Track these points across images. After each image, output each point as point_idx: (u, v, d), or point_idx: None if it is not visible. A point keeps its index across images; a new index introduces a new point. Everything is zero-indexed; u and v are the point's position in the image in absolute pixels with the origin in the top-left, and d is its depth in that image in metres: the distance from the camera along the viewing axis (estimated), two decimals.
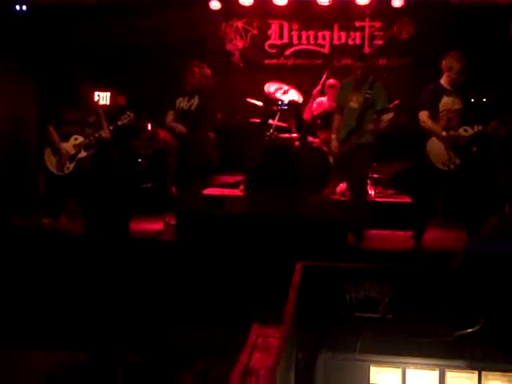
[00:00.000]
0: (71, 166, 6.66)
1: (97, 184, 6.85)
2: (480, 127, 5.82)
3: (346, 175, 6.78)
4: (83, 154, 6.68)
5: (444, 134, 5.87)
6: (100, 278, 5.14)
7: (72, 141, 6.67)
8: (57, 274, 5.20)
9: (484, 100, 7.36)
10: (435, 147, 5.96)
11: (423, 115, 6.01)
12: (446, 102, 5.96)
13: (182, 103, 6.95)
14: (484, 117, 5.97)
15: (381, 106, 6.46)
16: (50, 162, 6.72)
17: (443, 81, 6.04)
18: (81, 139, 6.66)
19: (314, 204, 7.03)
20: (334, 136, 6.65)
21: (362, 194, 6.64)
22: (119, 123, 6.82)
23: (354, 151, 6.41)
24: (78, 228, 6.58)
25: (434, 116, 5.98)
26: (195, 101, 6.89)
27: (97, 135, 6.66)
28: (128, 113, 6.86)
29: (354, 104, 6.46)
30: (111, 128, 6.76)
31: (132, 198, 7.41)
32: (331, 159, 7.09)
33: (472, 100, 6.09)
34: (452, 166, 5.89)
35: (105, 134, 6.69)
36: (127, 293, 4.93)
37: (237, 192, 7.83)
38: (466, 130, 5.88)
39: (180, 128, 6.85)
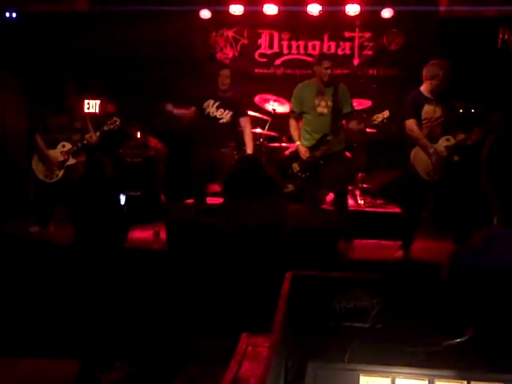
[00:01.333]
0: (60, 174, 6.67)
1: (86, 192, 6.85)
2: (462, 136, 5.81)
3: (328, 184, 6.68)
4: (72, 161, 6.69)
5: (432, 149, 5.85)
6: (89, 286, 5.11)
7: (60, 148, 6.72)
8: (45, 283, 5.17)
9: (472, 111, 7.41)
10: (420, 157, 5.96)
11: (411, 123, 5.96)
12: (427, 110, 5.94)
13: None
14: (468, 125, 5.98)
15: (347, 110, 6.45)
16: (39, 169, 6.73)
17: (423, 88, 6.03)
18: (69, 146, 6.70)
19: (300, 212, 7.02)
20: (298, 143, 6.46)
21: (345, 202, 6.67)
22: (105, 128, 6.83)
23: (330, 160, 6.35)
24: (67, 236, 6.56)
25: (418, 124, 5.97)
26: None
27: (84, 141, 6.67)
28: (114, 118, 6.87)
29: (322, 109, 6.35)
30: (98, 133, 6.76)
31: (124, 207, 7.39)
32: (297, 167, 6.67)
33: (456, 109, 6.05)
34: (437, 177, 5.90)
35: (91, 139, 6.70)
36: (117, 301, 4.91)
37: None
38: (448, 140, 5.88)
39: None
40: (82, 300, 4.95)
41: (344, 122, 6.61)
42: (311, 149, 6.40)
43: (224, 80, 7.07)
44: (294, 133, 6.58)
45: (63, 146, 6.73)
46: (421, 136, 5.92)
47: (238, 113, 7.14)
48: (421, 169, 5.94)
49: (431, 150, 5.84)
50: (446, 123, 5.91)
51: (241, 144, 7.58)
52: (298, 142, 6.49)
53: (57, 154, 6.71)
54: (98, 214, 6.64)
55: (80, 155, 6.77)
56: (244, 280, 4.94)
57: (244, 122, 7.17)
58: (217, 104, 7.14)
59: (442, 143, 5.88)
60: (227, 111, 7.09)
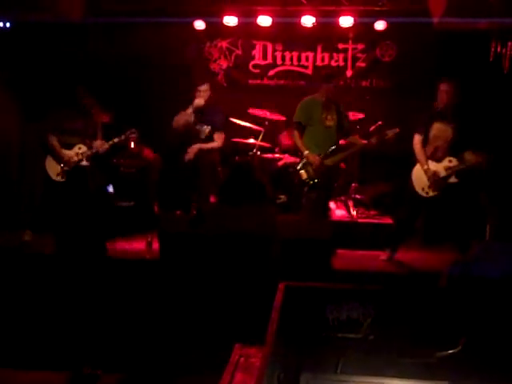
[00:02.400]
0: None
1: (66, 200, 6.85)
2: (473, 159, 5.82)
3: (319, 193, 6.69)
4: (84, 163, 6.86)
5: (425, 167, 6.00)
6: (80, 297, 5.10)
7: (76, 149, 6.85)
8: (34, 293, 5.16)
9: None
10: (419, 172, 6.11)
11: (416, 139, 6.14)
12: (437, 127, 6.05)
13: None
14: (478, 148, 5.99)
15: (347, 123, 6.80)
16: (52, 169, 6.84)
17: (437, 104, 6.10)
18: (84, 149, 6.86)
19: (295, 223, 7.03)
20: (307, 152, 6.54)
21: (327, 211, 6.88)
22: (123, 137, 7.00)
23: (331, 172, 6.64)
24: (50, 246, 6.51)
25: (425, 141, 6.09)
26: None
27: (94, 149, 6.83)
28: (133, 129, 6.96)
29: (330, 123, 6.58)
30: (111, 142, 6.85)
31: (111, 217, 7.37)
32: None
33: (469, 131, 6.06)
34: (430, 193, 6.02)
35: (103, 147, 6.90)
36: (108, 311, 4.89)
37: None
38: (450, 161, 5.96)
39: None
40: (73, 311, 4.94)
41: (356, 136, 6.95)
42: (322, 158, 6.54)
43: (202, 94, 7.15)
44: (300, 143, 6.69)
45: (79, 149, 6.86)
46: (419, 152, 6.08)
47: (214, 127, 7.21)
48: (417, 183, 6.10)
49: (425, 167, 5.99)
50: (455, 144, 5.97)
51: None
52: (307, 152, 6.57)
53: (72, 154, 6.83)
54: (78, 224, 6.60)
55: (91, 160, 6.90)
56: (232, 286, 4.95)
57: (217, 138, 7.22)
58: (200, 118, 7.28)
59: (444, 163, 5.98)
60: (207, 127, 7.19)
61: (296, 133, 6.73)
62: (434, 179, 5.94)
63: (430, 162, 6.04)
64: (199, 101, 7.14)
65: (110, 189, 7.80)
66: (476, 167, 5.80)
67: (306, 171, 6.57)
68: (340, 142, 6.79)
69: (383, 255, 6.42)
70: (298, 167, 6.63)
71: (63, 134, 6.87)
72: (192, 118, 7.20)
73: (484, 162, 5.67)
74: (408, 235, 6.46)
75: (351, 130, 6.92)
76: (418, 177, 6.09)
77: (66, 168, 6.80)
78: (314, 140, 6.63)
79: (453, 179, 5.94)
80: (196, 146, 7.13)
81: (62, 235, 6.41)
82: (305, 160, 6.58)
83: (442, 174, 5.95)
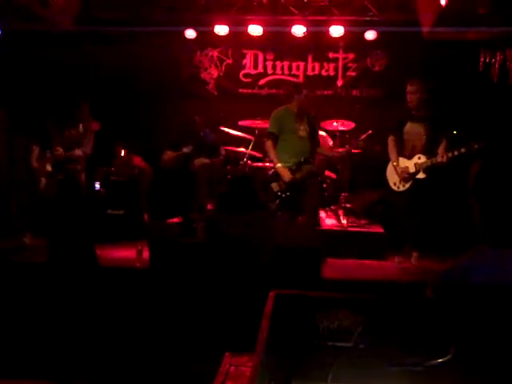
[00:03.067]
0: (43, 182, 6.96)
1: (58, 208, 6.88)
2: (435, 159, 6.09)
3: (301, 202, 6.72)
4: (47, 168, 7.06)
5: (395, 163, 6.38)
6: (66, 305, 5.07)
7: (52, 158, 7.08)
8: (21, 302, 5.13)
9: (454, 132, 7.47)
10: (390, 169, 6.51)
11: (390, 140, 6.50)
12: (409, 127, 6.34)
13: None
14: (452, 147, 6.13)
15: (317, 136, 6.89)
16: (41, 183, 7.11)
17: (409, 105, 6.34)
18: (48, 155, 7.08)
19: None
20: (279, 165, 6.60)
21: (316, 220, 6.96)
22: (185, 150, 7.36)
23: (308, 180, 6.61)
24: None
25: (399, 141, 6.41)
26: None
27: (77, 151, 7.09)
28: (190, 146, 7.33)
29: (302, 133, 6.63)
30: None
31: (100, 225, 7.36)
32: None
33: (444, 131, 6.25)
34: (401, 188, 6.37)
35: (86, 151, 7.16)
36: (97, 320, 4.87)
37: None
38: (419, 158, 6.22)
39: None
40: (60, 320, 4.91)
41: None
42: (293, 171, 6.59)
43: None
44: (273, 154, 6.72)
45: (56, 156, 7.04)
46: (390, 150, 6.47)
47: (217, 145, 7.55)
48: (390, 179, 6.51)
49: (394, 164, 6.39)
50: (428, 142, 6.24)
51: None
52: (280, 164, 6.61)
53: (47, 165, 7.05)
54: (70, 231, 6.59)
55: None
56: (222, 295, 4.94)
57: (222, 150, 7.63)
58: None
59: (414, 160, 6.26)
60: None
61: (269, 143, 6.76)
62: (403, 175, 6.28)
63: (401, 159, 6.37)
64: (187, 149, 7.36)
65: (97, 186, 7.79)
66: (442, 165, 6.05)
67: (278, 184, 6.64)
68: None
69: (413, 258, 6.53)
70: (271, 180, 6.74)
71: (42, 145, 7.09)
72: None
73: (446, 159, 5.92)
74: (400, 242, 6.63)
75: (318, 141, 6.98)
76: (390, 173, 6.48)
77: (40, 178, 7.02)
78: (288, 150, 6.66)
79: (421, 175, 6.21)
80: (207, 160, 7.25)
81: (55, 242, 6.40)
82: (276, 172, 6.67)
83: (412, 170, 6.24)
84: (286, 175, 6.55)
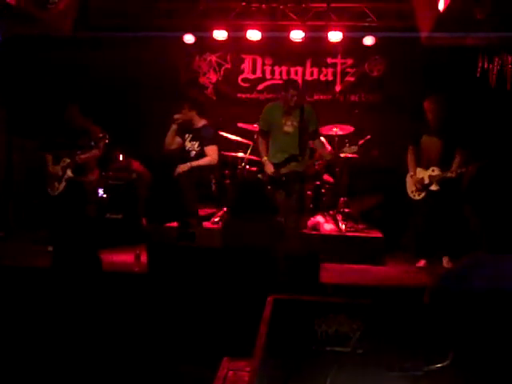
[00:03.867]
0: (61, 187, 6.91)
1: (65, 212, 6.89)
2: (447, 173, 6.37)
3: (284, 202, 6.73)
4: (69, 174, 7.05)
5: (411, 173, 6.66)
6: (67, 310, 5.06)
7: (61, 163, 7.11)
8: (23, 307, 5.12)
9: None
10: (408, 178, 6.76)
11: (409, 150, 6.74)
12: (425, 140, 6.60)
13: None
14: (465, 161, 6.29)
15: (313, 127, 6.73)
16: (47, 183, 7.18)
17: (426, 120, 6.55)
18: (67, 161, 7.09)
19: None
20: (265, 158, 6.78)
21: (298, 223, 6.91)
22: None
23: (292, 178, 6.64)
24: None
25: (417, 153, 6.68)
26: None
27: (82, 156, 7.09)
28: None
29: (288, 128, 6.63)
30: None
31: (101, 229, 7.36)
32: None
33: (456, 144, 6.47)
34: (417, 197, 6.63)
35: (89, 154, 7.16)
36: (95, 324, 4.86)
37: (208, 224, 7.81)
38: (433, 171, 6.47)
39: None
40: (61, 325, 4.90)
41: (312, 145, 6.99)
42: (277, 165, 6.69)
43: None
44: (261, 148, 6.90)
45: (63, 162, 7.09)
46: (409, 161, 6.72)
47: (204, 142, 7.27)
48: (408, 188, 6.75)
49: (411, 174, 6.65)
50: (443, 155, 6.49)
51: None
52: (265, 158, 6.80)
53: (57, 168, 7.09)
54: (76, 236, 6.61)
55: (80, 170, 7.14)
56: (220, 299, 4.93)
57: (208, 151, 7.26)
58: (190, 137, 7.40)
59: (428, 172, 6.52)
60: (196, 142, 7.34)
61: (259, 139, 6.98)
62: (417, 185, 6.58)
63: (418, 169, 6.63)
64: (177, 116, 7.27)
65: (101, 192, 7.81)
66: (458, 177, 6.27)
67: (262, 176, 6.97)
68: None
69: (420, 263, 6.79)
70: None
71: (55, 150, 7.16)
72: (179, 139, 7.31)
73: (456, 173, 6.09)
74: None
75: (317, 135, 6.97)
76: (409, 182, 6.74)
77: (52, 183, 7.05)
78: (274, 146, 6.77)
79: (434, 187, 6.47)
80: (187, 165, 7.16)
81: (60, 248, 6.40)
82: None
83: (426, 181, 6.51)
84: (269, 168, 6.70)
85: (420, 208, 6.69)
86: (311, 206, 8.10)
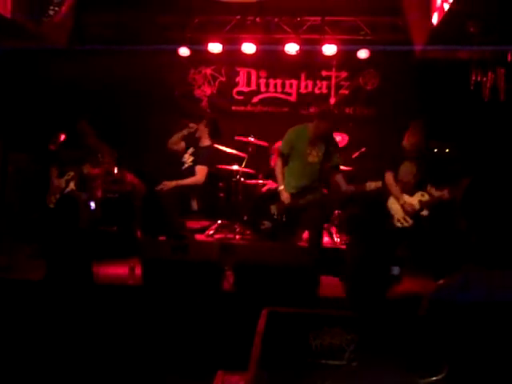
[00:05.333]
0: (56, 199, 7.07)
1: (57, 225, 6.88)
2: (435, 195, 6.28)
3: (304, 225, 6.69)
4: (71, 187, 7.16)
5: (402, 201, 6.35)
6: (60, 323, 5.04)
7: (65, 176, 7.19)
8: (14, 320, 5.10)
9: (447, 150, 7.53)
10: (393, 205, 6.45)
11: (389, 176, 6.42)
12: (405, 165, 6.41)
13: None
14: (440, 181, 6.27)
15: (337, 161, 6.50)
16: (49, 200, 7.20)
17: (405, 144, 6.42)
18: (71, 174, 7.18)
19: (278, 250, 7.01)
20: (282, 187, 6.45)
21: (319, 242, 6.67)
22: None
23: (311, 205, 6.38)
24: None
25: (395, 177, 6.44)
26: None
27: (90, 169, 7.19)
28: None
29: (313, 159, 6.36)
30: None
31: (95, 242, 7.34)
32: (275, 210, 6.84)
33: (431, 165, 6.43)
34: (405, 224, 6.38)
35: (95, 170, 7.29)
36: (89, 337, 4.84)
37: (202, 237, 7.80)
38: (422, 195, 6.34)
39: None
40: (55, 337, 4.88)
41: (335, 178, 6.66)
42: (295, 195, 6.42)
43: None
44: (279, 176, 6.53)
45: (68, 175, 7.18)
46: (394, 188, 6.41)
47: (198, 160, 7.22)
48: (395, 214, 6.43)
49: (401, 202, 6.35)
50: (420, 179, 6.39)
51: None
52: (282, 187, 6.45)
53: (62, 181, 7.16)
54: (69, 249, 6.58)
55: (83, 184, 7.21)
56: (214, 312, 4.93)
57: (198, 170, 7.17)
58: (191, 151, 7.36)
59: (417, 197, 6.36)
60: (192, 158, 7.31)
61: (279, 162, 6.58)
62: (410, 212, 6.32)
63: (403, 195, 6.40)
64: (192, 125, 7.26)
65: (93, 206, 7.78)
66: (442, 200, 6.21)
67: (277, 206, 6.65)
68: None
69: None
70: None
71: (61, 165, 7.24)
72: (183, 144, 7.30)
73: (448, 195, 6.03)
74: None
75: (337, 168, 6.61)
76: (394, 209, 6.43)
77: (56, 194, 7.08)
78: (295, 174, 6.46)
79: (424, 212, 6.33)
80: (172, 183, 7.09)
81: (53, 260, 6.38)
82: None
83: (417, 206, 6.32)
84: (286, 199, 6.40)
85: (407, 234, 6.43)
86: None
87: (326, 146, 6.37)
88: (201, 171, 7.15)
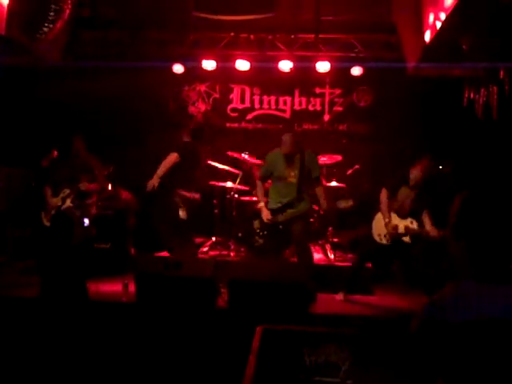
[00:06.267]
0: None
1: (52, 242, 6.85)
2: (425, 229, 6.18)
3: (288, 240, 6.83)
4: (68, 203, 7.13)
5: (387, 220, 6.35)
6: (55, 340, 5.01)
7: (61, 194, 7.17)
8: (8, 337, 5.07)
9: (440, 167, 7.55)
10: (378, 221, 6.48)
11: (383, 193, 6.45)
12: (403, 191, 6.40)
13: None
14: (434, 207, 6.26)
15: (315, 174, 6.65)
16: (45, 218, 7.20)
17: (411, 174, 6.38)
18: (67, 191, 7.15)
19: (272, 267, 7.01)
20: (262, 204, 6.72)
21: (309, 256, 6.71)
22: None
23: (292, 221, 6.54)
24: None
25: (391, 197, 6.43)
26: None
27: (86, 184, 7.19)
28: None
29: (292, 179, 6.56)
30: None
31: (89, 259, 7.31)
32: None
33: (427, 196, 6.37)
34: (384, 242, 6.40)
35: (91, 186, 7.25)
36: (84, 354, 4.81)
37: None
38: (412, 223, 6.29)
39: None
40: (49, 354, 4.85)
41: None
42: (275, 212, 6.63)
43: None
44: (259, 194, 6.84)
45: (63, 193, 7.15)
46: (384, 205, 6.43)
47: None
48: (375, 230, 6.50)
49: (386, 220, 6.35)
50: (415, 206, 6.34)
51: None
52: (262, 204, 6.73)
53: (57, 199, 7.14)
54: (63, 266, 6.55)
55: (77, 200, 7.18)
56: (208, 329, 4.91)
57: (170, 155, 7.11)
58: None
59: (406, 222, 6.32)
60: None
61: (258, 183, 6.92)
62: (392, 232, 6.30)
63: (393, 215, 6.39)
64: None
65: (86, 222, 7.75)
66: (429, 238, 6.14)
67: (259, 222, 6.90)
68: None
69: (338, 296, 6.60)
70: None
71: (55, 183, 7.22)
72: None
73: (440, 237, 6.00)
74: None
75: (320, 181, 6.83)
76: (378, 224, 6.47)
77: (52, 212, 7.08)
78: (276, 194, 6.70)
79: (406, 239, 6.28)
80: (154, 178, 7.04)
81: (48, 278, 6.35)
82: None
83: (401, 230, 6.29)
84: (265, 215, 6.65)
85: (384, 252, 6.54)
86: None
87: (301, 161, 6.55)
88: (169, 156, 7.01)
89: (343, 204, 7.14)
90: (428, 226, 6.18)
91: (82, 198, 7.22)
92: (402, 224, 6.31)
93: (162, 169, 6.88)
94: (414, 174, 6.34)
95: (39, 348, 4.90)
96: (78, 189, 7.11)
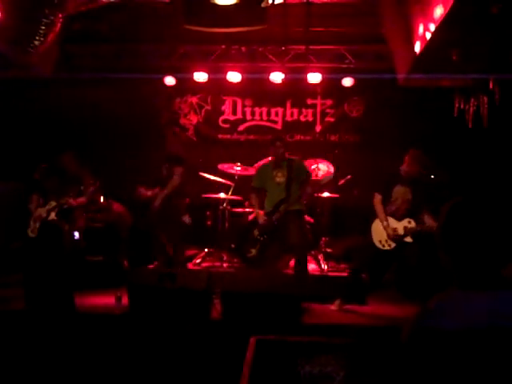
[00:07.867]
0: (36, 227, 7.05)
1: (39, 255, 6.82)
2: (422, 225, 6.21)
3: (286, 243, 6.85)
4: (52, 216, 7.06)
5: (385, 223, 6.31)
6: (45, 353, 4.99)
7: (47, 206, 7.10)
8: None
9: (432, 176, 7.58)
10: (377, 227, 6.41)
11: (376, 198, 6.43)
12: (398, 190, 6.37)
13: None
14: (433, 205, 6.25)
15: (303, 176, 6.89)
16: (30, 228, 7.13)
17: (402, 171, 6.37)
18: (53, 204, 7.07)
19: (266, 278, 7.01)
20: (261, 212, 6.97)
21: (305, 263, 6.81)
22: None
23: (287, 218, 6.72)
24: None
25: (386, 200, 6.38)
26: None
27: (71, 200, 7.09)
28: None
29: (280, 179, 6.85)
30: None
31: (80, 272, 7.28)
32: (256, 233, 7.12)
33: (424, 193, 6.35)
34: (386, 247, 6.33)
35: (77, 200, 7.16)
36: (77, 368, 4.79)
37: (190, 266, 7.77)
38: (409, 222, 6.27)
39: None
40: (39, 368, 4.82)
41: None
42: (268, 214, 6.85)
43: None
44: (255, 203, 7.11)
45: (50, 205, 7.07)
46: (379, 210, 6.40)
47: (174, 163, 7.21)
48: (375, 236, 6.42)
49: (384, 224, 6.32)
50: (413, 205, 6.32)
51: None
52: (257, 211, 7.01)
53: (42, 211, 7.06)
54: (48, 279, 6.52)
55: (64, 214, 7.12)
56: (202, 340, 4.90)
57: (176, 171, 7.17)
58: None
59: (404, 223, 6.29)
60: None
61: (252, 195, 7.14)
62: (393, 235, 6.26)
63: (390, 219, 6.35)
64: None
65: (76, 235, 7.72)
66: (432, 231, 6.04)
67: (258, 228, 7.02)
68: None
69: (334, 306, 6.55)
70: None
71: (43, 194, 7.17)
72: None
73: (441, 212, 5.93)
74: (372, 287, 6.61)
75: (306, 182, 6.97)
76: (377, 231, 6.42)
77: (36, 224, 7.02)
78: (269, 198, 6.95)
79: (408, 239, 6.25)
80: (158, 200, 7.10)
81: (32, 290, 6.32)
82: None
83: (400, 232, 6.26)
84: (261, 218, 6.89)
85: (389, 257, 6.45)
86: None
87: (288, 165, 6.84)
88: (176, 171, 7.16)
89: (326, 180, 7.26)
90: (429, 221, 6.19)
91: (67, 211, 7.19)
92: (399, 226, 6.30)
93: (168, 188, 7.13)
94: (405, 169, 6.34)
95: (25, 361, 4.87)
96: (62, 203, 7.08)
